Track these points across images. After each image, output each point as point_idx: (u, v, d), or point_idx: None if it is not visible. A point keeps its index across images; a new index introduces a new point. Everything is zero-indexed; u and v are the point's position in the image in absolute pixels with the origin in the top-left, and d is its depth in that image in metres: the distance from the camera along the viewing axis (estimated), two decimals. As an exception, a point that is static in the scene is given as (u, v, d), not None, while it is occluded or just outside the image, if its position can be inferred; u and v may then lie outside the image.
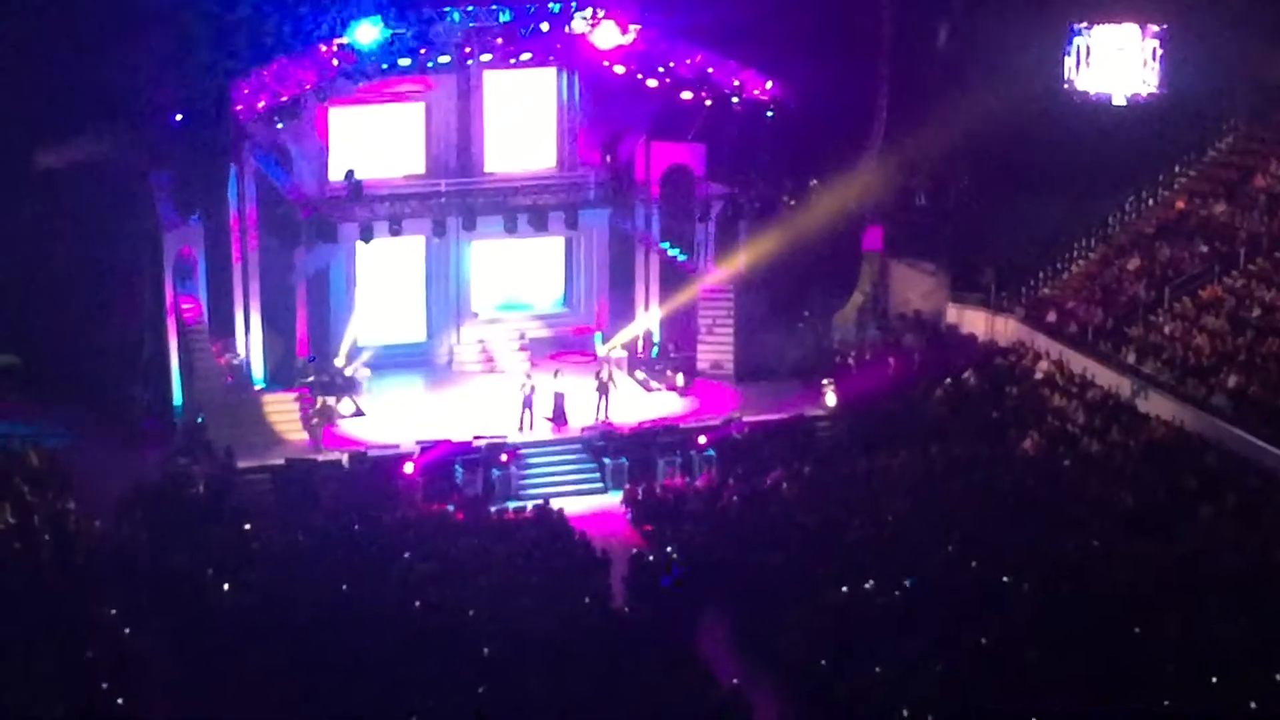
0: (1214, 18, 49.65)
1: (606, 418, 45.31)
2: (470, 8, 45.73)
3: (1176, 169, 51.50)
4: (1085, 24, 51.85)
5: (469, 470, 42.19)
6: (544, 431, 44.93)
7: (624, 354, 49.07)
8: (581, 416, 45.35)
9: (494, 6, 45.96)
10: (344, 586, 35.27)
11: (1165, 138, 51.42)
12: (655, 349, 49.72)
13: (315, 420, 44.12)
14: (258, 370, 46.43)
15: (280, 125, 44.80)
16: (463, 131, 48.90)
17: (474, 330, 49.88)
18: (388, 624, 33.67)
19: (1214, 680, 31.18)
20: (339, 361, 46.89)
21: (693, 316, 49.34)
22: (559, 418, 45.06)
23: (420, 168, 49.07)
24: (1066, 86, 52.13)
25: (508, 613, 34.33)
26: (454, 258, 49.31)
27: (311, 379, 45.72)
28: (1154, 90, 51.23)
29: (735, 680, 32.64)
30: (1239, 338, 43.78)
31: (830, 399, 46.40)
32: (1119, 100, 51.63)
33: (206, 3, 43.13)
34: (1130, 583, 34.79)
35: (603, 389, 45.66)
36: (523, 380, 45.50)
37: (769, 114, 47.51)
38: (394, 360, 48.52)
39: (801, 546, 37.41)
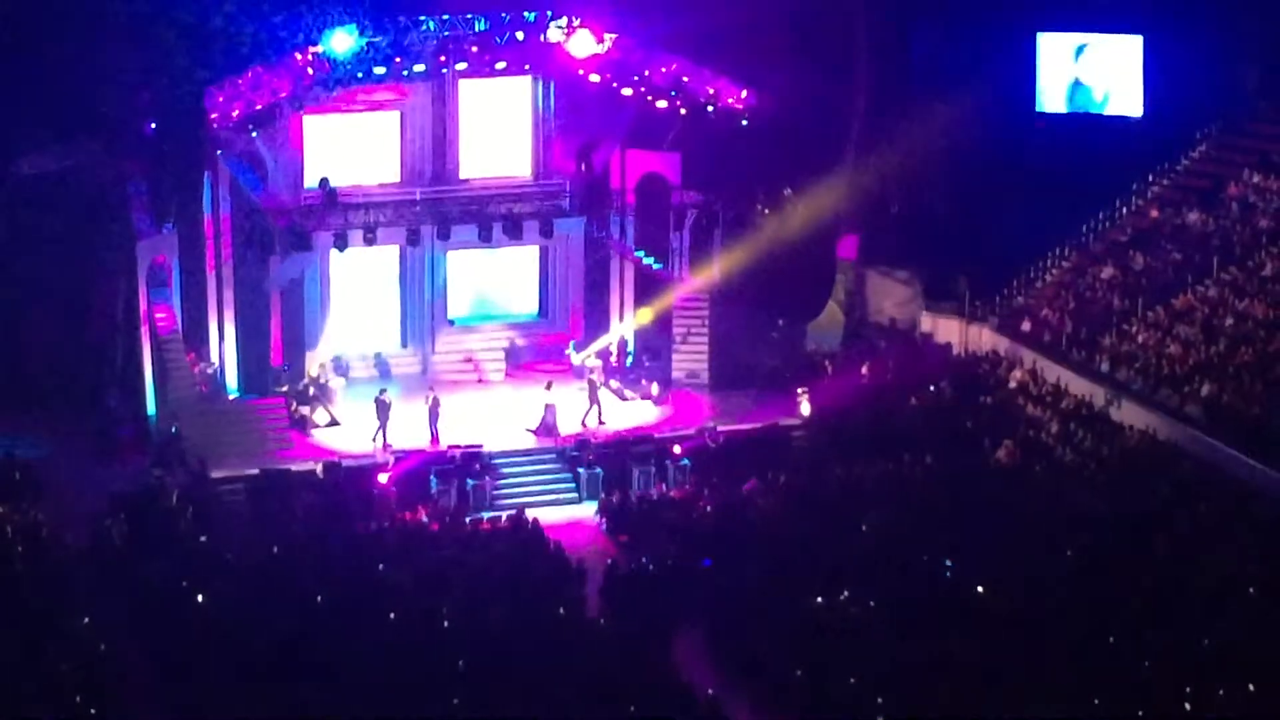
0: (1189, 27, 49.90)
1: (601, 422, 45.23)
2: (445, 16, 45.71)
3: (1150, 177, 51.64)
4: (1060, 33, 51.98)
5: (444, 480, 42.14)
6: (526, 441, 44.87)
7: (598, 363, 49.01)
8: (571, 427, 45.19)
9: (469, 15, 45.94)
10: (318, 597, 35.25)
11: (1139, 146, 51.57)
12: (630, 358, 49.67)
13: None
14: (232, 379, 46.35)
15: (255, 134, 44.75)
16: (438, 140, 48.75)
17: (449, 339, 49.78)
18: (362, 635, 33.62)
19: (1190, 689, 31.29)
20: (313, 371, 46.82)
21: (667, 325, 49.36)
22: (545, 429, 44.87)
23: (395, 176, 48.85)
24: (1040, 96, 52.25)
25: (482, 623, 34.32)
26: (429, 266, 49.20)
27: (286, 388, 45.62)
28: (1129, 99, 51.37)
29: (711, 691, 32.68)
30: (1212, 347, 43.89)
31: (805, 408, 46.34)
32: (1093, 109, 51.73)
33: (181, 11, 43.07)
34: (1105, 592, 34.92)
35: (593, 395, 45.59)
36: (426, 393, 45.23)
37: (744, 122, 47.49)
38: (368, 369, 48.41)
39: (777, 556, 37.43)
